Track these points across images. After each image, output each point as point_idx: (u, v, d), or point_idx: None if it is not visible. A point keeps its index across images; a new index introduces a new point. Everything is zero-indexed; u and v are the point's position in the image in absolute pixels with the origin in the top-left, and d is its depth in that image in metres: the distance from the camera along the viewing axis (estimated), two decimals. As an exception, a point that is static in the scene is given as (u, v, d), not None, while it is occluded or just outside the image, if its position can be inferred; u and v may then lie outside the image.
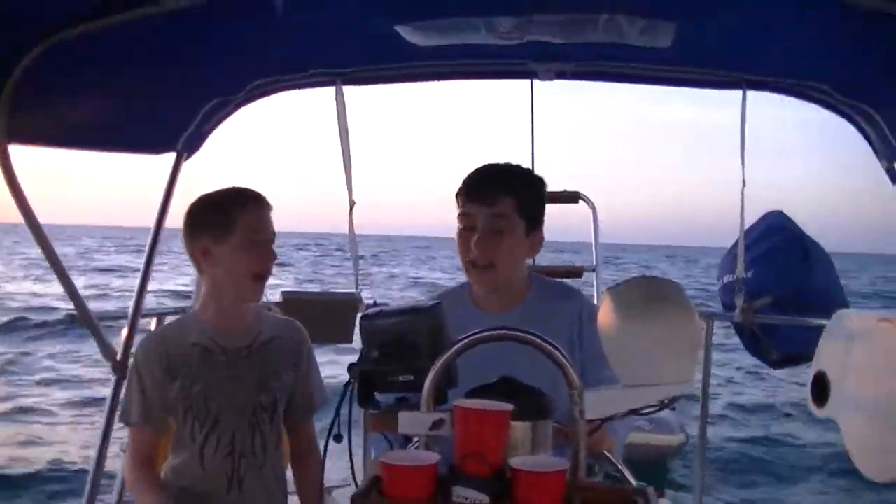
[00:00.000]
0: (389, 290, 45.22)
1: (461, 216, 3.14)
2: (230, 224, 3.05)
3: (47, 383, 19.73)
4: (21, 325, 27.19)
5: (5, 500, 12.03)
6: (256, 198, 3.14)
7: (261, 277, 3.12)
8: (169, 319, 3.79)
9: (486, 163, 3.24)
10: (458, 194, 3.17)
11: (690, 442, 12.71)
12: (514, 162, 3.28)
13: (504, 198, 3.08)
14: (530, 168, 3.32)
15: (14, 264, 52.27)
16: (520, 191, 3.13)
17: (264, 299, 3.49)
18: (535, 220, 3.19)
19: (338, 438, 2.14)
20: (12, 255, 57.55)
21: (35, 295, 33.88)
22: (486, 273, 3.13)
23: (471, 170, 3.21)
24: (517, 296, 3.21)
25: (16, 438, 15.12)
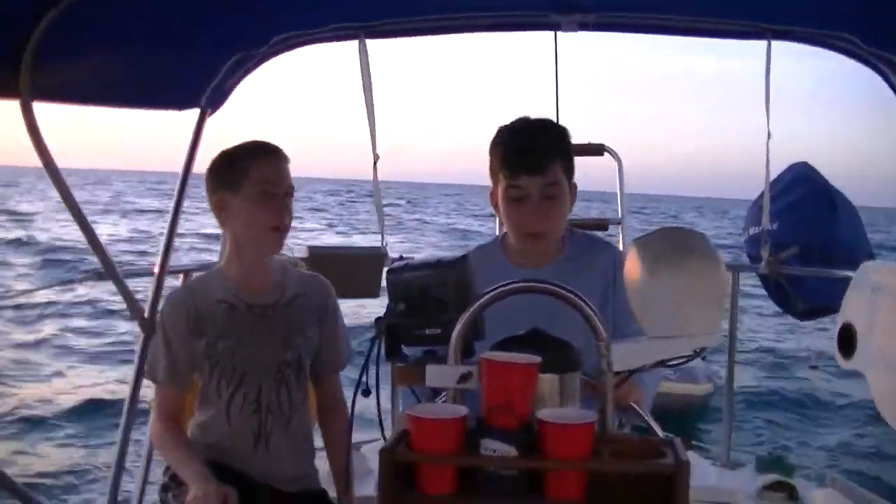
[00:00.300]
0: (423, 235, 45.49)
1: (511, 188, 3.08)
2: (243, 177, 3.04)
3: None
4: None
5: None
6: (270, 150, 3.12)
7: (277, 230, 3.09)
8: (196, 275, 3.81)
9: (517, 122, 3.16)
10: (501, 164, 3.10)
11: (718, 391, 12.82)
12: (535, 116, 3.21)
13: (553, 165, 3.05)
14: (555, 120, 3.28)
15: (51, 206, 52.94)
16: (562, 151, 3.10)
17: (290, 254, 3.49)
18: (571, 174, 3.17)
19: (366, 393, 2.14)
20: (45, 200, 58.06)
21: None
22: (541, 240, 3.13)
23: (498, 125, 3.17)
24: (553, 251, 3.20)
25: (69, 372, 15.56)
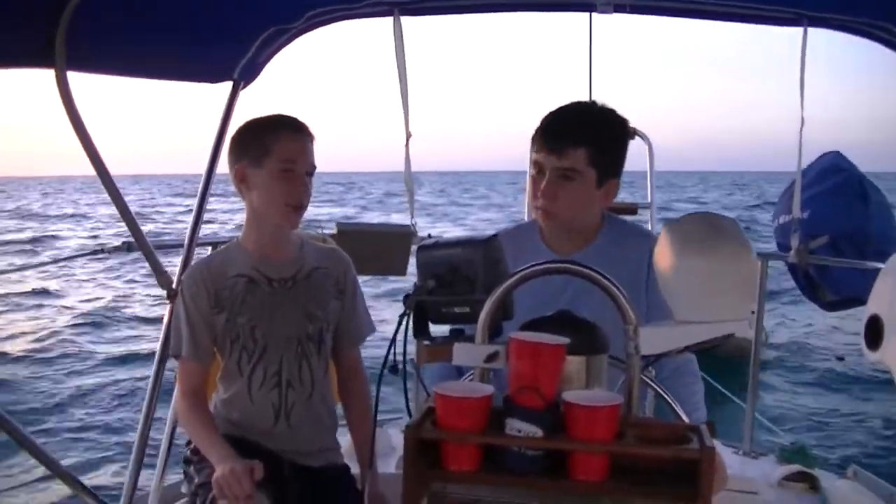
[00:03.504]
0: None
1: (534, 162, 3.06)
2: (266, 150, 3.04)
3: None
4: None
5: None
6: (296, 126, 3.11)
7: (294, 208, 3.10)
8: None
9: (567, 103, 3.11)
10: (532, 138, 3.09)
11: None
12: (594, 99, 3.15)
13: (573, 151, 2.96)
14: (610, 109, 3.11)
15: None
16: (592, 141, 3.00)
17: (320, 231, 3.48)
18: (608, 169, 3.06)
19: (394, 370, 2.13)
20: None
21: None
22: (548, 218, 3.08)
23: (539, 109, 3.15)
24: (587, 236, 3.14)
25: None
